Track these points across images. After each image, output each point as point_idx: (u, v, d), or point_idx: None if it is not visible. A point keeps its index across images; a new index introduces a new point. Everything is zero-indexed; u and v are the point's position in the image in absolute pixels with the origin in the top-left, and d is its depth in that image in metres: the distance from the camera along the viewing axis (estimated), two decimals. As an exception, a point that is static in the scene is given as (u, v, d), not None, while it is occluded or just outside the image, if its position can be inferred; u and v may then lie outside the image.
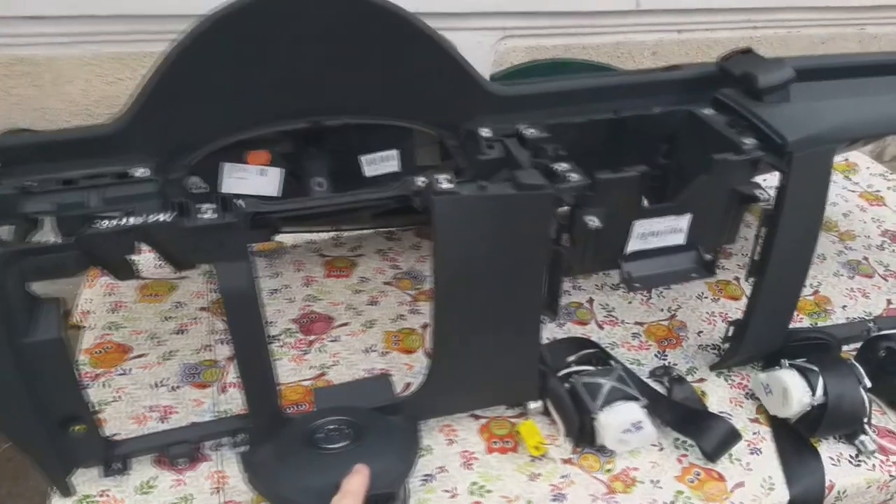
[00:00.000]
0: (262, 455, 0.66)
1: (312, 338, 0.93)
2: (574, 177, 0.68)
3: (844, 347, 0.94)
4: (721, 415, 0.85)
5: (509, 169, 0.75)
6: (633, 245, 0.74)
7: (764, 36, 2.21)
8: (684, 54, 2.02)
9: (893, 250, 1.18)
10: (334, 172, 0.92)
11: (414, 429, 0.72)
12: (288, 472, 0.63)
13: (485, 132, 0.80)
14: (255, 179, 0.90)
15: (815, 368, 0.82)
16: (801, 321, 1.01)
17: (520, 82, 0.86)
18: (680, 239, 0.76)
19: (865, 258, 1.15)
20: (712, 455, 0.79)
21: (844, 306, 1.05)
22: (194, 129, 0.79)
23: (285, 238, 1.12)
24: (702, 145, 0.79)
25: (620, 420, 0.76)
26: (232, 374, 0.86)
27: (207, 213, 0.64)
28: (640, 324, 0.99)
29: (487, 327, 0.73)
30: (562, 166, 0.70)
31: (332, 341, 0.93)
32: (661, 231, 0.75)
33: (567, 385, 0.81)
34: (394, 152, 0.92)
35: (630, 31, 2.08)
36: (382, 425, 0.69)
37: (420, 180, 0.73)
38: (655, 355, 0.94)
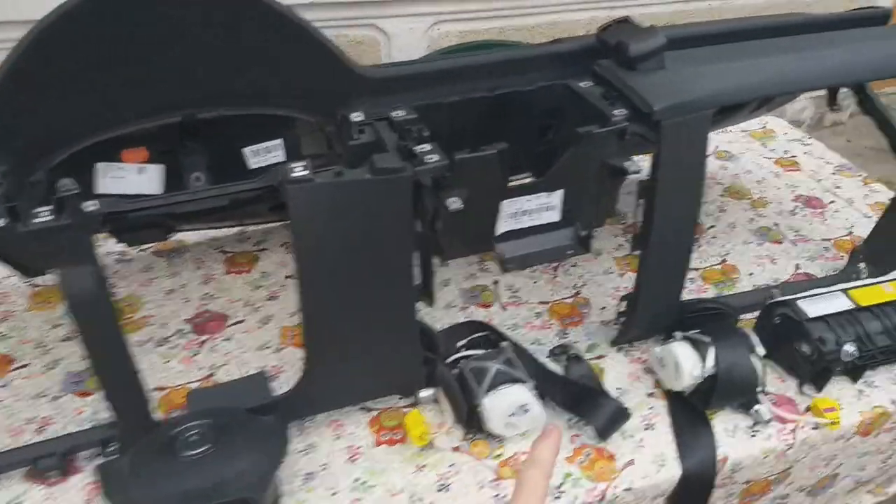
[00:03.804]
0: (119, 465, 0.64)
1: (205, 337, 0.91)
2: (432, 158, 0.66)
3: (749, 315, 0.93)
4: (617, 391, 0.84)
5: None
6: (504, 225, 0.73)
7: (697, 9, 2.20)
8: (619, 30, 2.01)
9: (805, 215, 1.17)
10: (217, 166, 0.89)
11: (283, 429, 0.69)
12: (141, 482, 0.61)
13: (356, 117, 0.77)
14: (133, 178, 0.87)
15: (707, 339, 0.81)
16: (706, 291, 1.01)
17: (395, 64, 0.83)
18: (555, 216, 0.74)
19: (776, 224, 1.15)
20: (602, 433, 0.78)
21: (751, 274, 1.04)
22: (52, 127, 0.76)
23: (187, 236, 1.09)
24: (580, 119, 0.77)
25: (506, 404, 0.75)
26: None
27: (42, 216, 0.61)
28: (545, 303, 0.98)
29: (359, 318, 0.71)
30: (422, 148, 0.68)
31: (224, 340, 0.91)
32: (533, 209, 0.73)
33: (456, 371, 0.79)
34: (278, 142, 0.89)
35: (564, 9, 2.06)
36: (248, 427, 0.67)
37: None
38: (557, 334, 0.93)
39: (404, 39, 1.94)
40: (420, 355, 0.77)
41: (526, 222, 0.73)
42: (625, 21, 0.81)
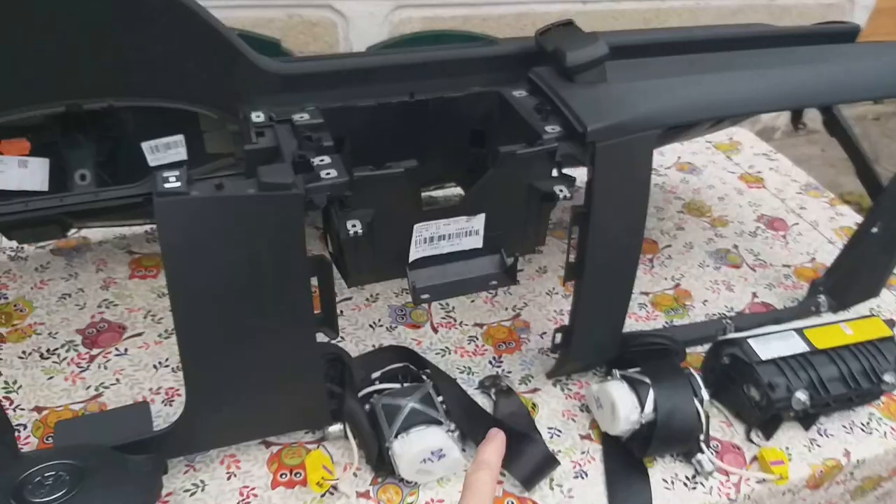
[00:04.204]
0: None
1: (96, 351, 0.81)
2: (330, 173, 0.57)
3: (700, 348, 0.86)
4: (549, 431, 0.77)
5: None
6: (418, 251, 0.64)
7: (672, 7, 2.11)
8: (590, 26, 1.92)
9: (767, 237, 1.10)
10: (111, 162, 0.80)
11: (156, 473, 0.61)
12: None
13: (257, 117, 0.68)
14: (14, 172, 0.77)
15: (647, 381, 0.73)
16: (656, 318, 0.93)
17: (306, 59, 0.74)
18: (477, 242, 0.66)
19: (735, 246, 1.07)
20: (526, 483, 0.70)
21: (706, 301, 0.96)
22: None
23: (92, 233, 0.99)
24: (511, 132, 0.68)
25: (417, 449, 0.66)
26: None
27: None
28: (480, 325, 0.89)
29: (246, 349, 0.62)
30: (321, 160, 0.59)
31: (118, 355, 0.81)
32: (452, 234, 0.64)
33: (368, 406, 0.71)
34: (178, 138, 0.79)
35: (533, 1, 1.96)
36: (113, 469, 0.58)
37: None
38: (490, 362, 0.85)
39: (363, 23, 1.83)
40: (323, 389, 0.68)
41: (444, 248, 0.65)
42: (568, 24, 0.72)
